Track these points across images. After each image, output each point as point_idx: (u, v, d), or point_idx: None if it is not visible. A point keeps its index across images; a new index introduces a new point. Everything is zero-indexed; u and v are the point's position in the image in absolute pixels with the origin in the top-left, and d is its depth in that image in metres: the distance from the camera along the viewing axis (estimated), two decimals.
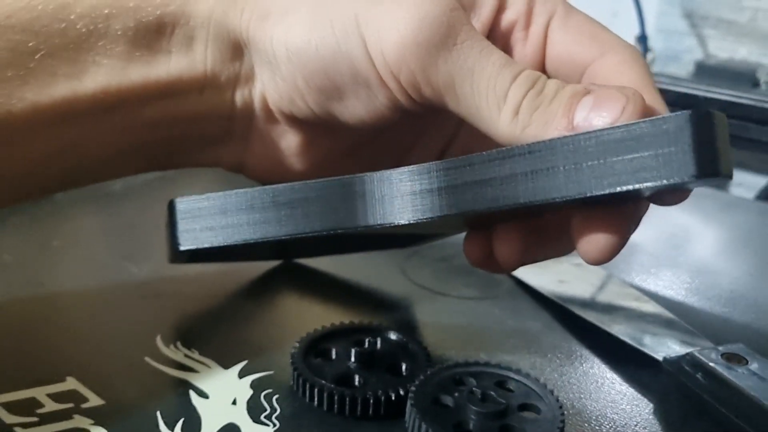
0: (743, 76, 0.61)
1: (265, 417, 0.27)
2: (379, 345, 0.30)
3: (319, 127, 0.29)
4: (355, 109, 0.27)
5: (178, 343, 0.31)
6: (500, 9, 0.26)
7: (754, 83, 0.61)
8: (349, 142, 0.30)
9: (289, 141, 0.30)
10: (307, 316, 0.34)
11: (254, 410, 0.27)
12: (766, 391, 0.27)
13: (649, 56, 0.67)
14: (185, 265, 0.37)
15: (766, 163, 0.73)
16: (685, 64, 0.70)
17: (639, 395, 0.29)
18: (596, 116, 0.22)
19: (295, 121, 0.29)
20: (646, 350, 0.30)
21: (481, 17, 0.26)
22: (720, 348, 0.29)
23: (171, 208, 0.29)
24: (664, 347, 0.30)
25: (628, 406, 0.29)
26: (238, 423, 0.26)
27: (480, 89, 0.24)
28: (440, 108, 0.25)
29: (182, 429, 0.26)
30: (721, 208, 0.52)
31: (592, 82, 0.24)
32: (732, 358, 0.28)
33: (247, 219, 0.26)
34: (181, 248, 0.28)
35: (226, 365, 0.30)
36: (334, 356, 0.29)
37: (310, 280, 0.38)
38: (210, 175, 0.54)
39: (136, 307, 0.34)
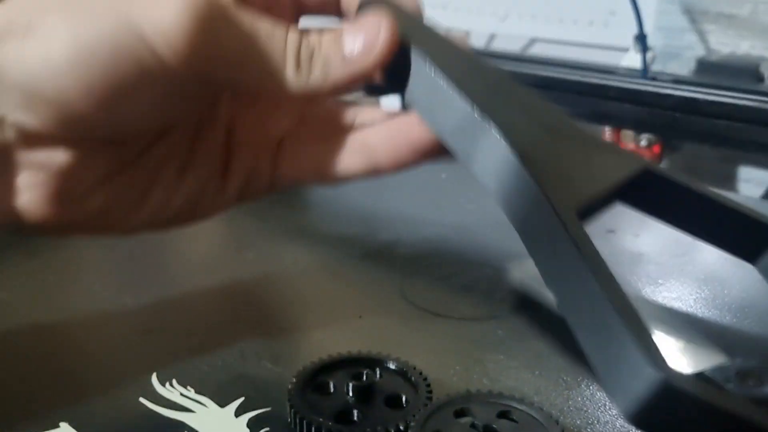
0: (746, 71, 0.60)
1: None
2: (377, 376, 0.29)
3: (96, 143, 0.27)
4: (134, 111, 0.26)
5: (174, 381, 0.30)
6: None
7: (759, 78, 0.60)
8: (135, 150, 0.28)
9: (66, 169, 0.27)
10: (304, 345, 0.34)
11: None
12: None
13: (649, 55, 0.66)
14: (180, 296, 0.37)
15: None
16: (687, 61, 0.69)
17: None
18: (360, 41, 0.26)
19: (68, 142, 0.27)
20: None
21: None
22: (734, 363, 0.28)
23: None
24: (674, 365, 0.29)
25: None
26: None
27: (261, 53, 0.26)
28: (227, 84, 0.27)
29: None
30: None
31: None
32: (747, 377, 0.27)
33: None
34: None
35: (223, 403, 0.29)
36: (332, 390, 0.29)
37: (307, 305, 0.37)
38: None
39: (132, 344, 0.33)
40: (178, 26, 0.24)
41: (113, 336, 0.34)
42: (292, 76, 0.26)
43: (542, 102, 0.26)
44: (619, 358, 0.18)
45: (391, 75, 0.27)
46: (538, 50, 0.86)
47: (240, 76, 0.26)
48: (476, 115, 0.24)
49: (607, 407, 0.29)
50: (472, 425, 0.25)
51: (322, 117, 0.32)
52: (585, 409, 0.29)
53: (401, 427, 0.26)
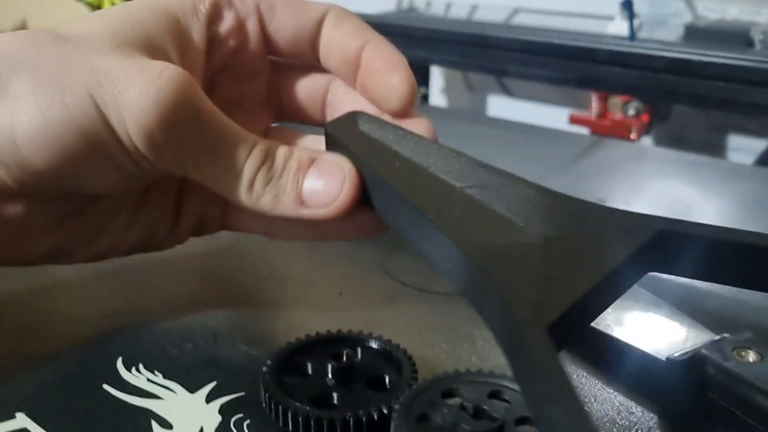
0: (736, 37, 0.58)
1: None
2: (359, 356, 0.27)
3: (49, 195, 0.27)
4: (95, 181, 0.27)
5: (141, 366, 0.28)
6: (213, 21, 0.29)
7: (748, 43, 0.58)
8: (87, 199, 0.29)
9: (18, 216, 0.27)
10: (280, 325, 0.32)
11: None
12: None
13: (636, 22, 0.64)
14: (147, 276, 0.34)
15: (764, 125, 0.70)
16: (674, 28, 0.67)
17: (645, 399, 0.27)
18: (321, 192, 0.26)
19: (20, 195, 0.27)
20: (647, 350, 0.27)
21: (197, 33, 0.28)
22: (728, 339, 0.26)
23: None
24: (667, 345, 0.28)
25: (634, 411, 0.26)
26: None
27: (219, 164, 0.26)
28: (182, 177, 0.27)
29: None
30: (720, 177, 0.49)
31: (318, 149, 0.28)
32: (744, 352, 0.26)
33: None
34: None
35: (193, 389, 0.27)
36: (310, 372, 0.27)
37: (283, 281, 0.35)
38: None
39: (95, 328, 0.31)
40: (143, 120, 0.24)
41: (74, 320, 0.32)
42: (242, 196, 0.26)
43: (538, 190, 0.25)
44: None
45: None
46: (522, 20, 0.84)
47: (195, 176, 0.26)
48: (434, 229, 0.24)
49: (601, 386, 0.28)
50: (461, 407, 0.24)
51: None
52: (578, 388, 0.27)
53: (384, 411, 0.24)
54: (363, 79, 0.29)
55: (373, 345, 0.28)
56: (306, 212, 0.26)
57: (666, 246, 0.23)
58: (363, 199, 0.27)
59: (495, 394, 0.25)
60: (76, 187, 0.27)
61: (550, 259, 0.22)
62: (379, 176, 0.26)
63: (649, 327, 0.29)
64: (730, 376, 0.24)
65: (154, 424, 0.25)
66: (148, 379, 0.28)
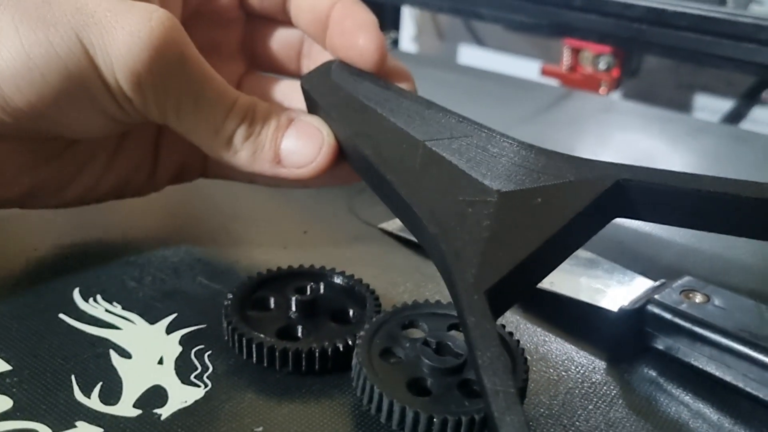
0: None
1: (195, 377, 0.24)
2: (322, 290, 0.27)
3: (25, 137, 0.27)
4: (76, 124, 0.26)
5: (98, 297, 0.28)
6: None
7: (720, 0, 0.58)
8: (63, 143, 0.28)
9: None
10: (243, 261, 0.31)
11: (183, 370, 0.24)
12: (736, 323, 0.25)
13: None
14: (108, 210, 0.33)
15: (731, 85, 0.71)
16: None
17: (597, 350, 0.27)
18: (298, 153, 0.26)
19: None
20: (599, 304, 0.27)
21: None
22: (673, 284, 0.27)
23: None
24: (613, 297, 0.28)
25: (593, 350, 0.27)
26: (164, 385, 0.23)
27: (200, 114, 0.25)
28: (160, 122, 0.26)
29: (100, 394, 0.23)
30: (687, 132, 0.49)
31: (298, 108, 0.29)
32: (692, 294, 0.26)
33: None
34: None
35: (152, 320, 0.27)
36: (272, 306, 0.26)
37: (247, 219, 0.35)
38: None
39: (51, 258, 0.30)
40: (131, 63, 0.23)
41: (30, 251, 0.31)
42: (219, 148, 0.26)
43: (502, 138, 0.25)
44: None
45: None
46: None
47: (175, 125, 0.26)
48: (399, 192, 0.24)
49: (563, 324, 0.28)
50: (425, 342, 0.24)
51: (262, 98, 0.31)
52: (541, 325, 0.28)
53: (350, 342, 0.24)
54: (332, 39, 0.29)
55: (337, 280, 0.28)
56: (283, 171, 0.26)
57: (627, 193, 0.23)
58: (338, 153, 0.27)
59: (455, 326, 0.25)
60: (57, 129, 0.26)
61: (502, 218, 0.22)
62: (347, 134, 0.26)
63: (591, 282, 0.29)
64: (683, 317, 0.25)
65: (112, 353, 0.25)
66: (106, 310, 0.27)
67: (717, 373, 0.24)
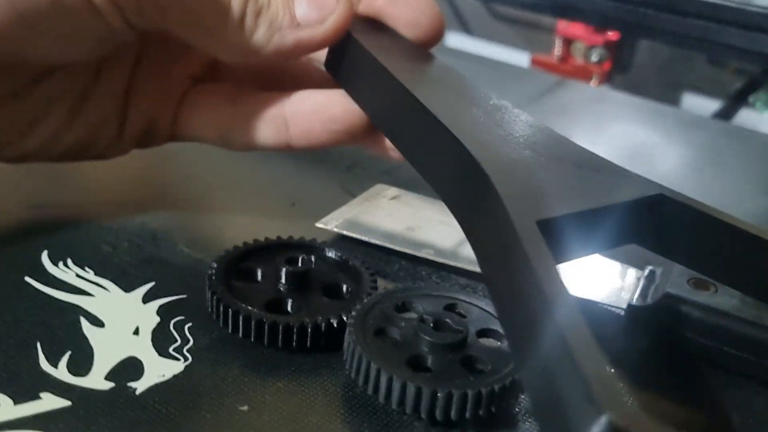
0: None
1: (174, 350, 0.22)
2: (314, 263, 0.25)
3: None
4: (49, 45, 0.23)
5: (69, 261, 0.25)
6: None
7: None
8: (24, 80, 0.26)
9: None
10: (227, 232, 0.29)
11: (161, 341, 0.22)
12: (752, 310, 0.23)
13: None
14: (83, 171, 0.31)
15: (720, 85, 0.71)
16: None
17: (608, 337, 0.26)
18: (315, 11, 0.24)
19: None
20: (607, 303, 0.26)
21: None
22: (675, 274, 0.25)
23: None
24: (608, 291, 0.26)
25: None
26: (140, 356, 0.21)
27: (203, 3, 0.23)
28: (158, 31, 0.24)
29: (69, 364, 0.21)
30: (680, 125, 0.49)
31: None
32: (700, 285, 0.25)
33: None
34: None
35: (128, 288, 0.25)
36: (260, 278, 0.25)
37: (233, 188, 0.33)
38: None
39: (18, 220, 0.28)
40: None
41: None
42: (233, 35, 0.24)
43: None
44: (564, 397, 0.14)
45: (334, 59, 0.26)
46: None
47: (176, 22, 0.24)
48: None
49: None
50: (421, 319, 0.22)
51: (237, 75, 0.29)
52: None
53: (345, 318, 0.22)
54: (390, 7, 0.26)
55: (330, 254, 0.26)
56: (304, 34, 0.24)
57: (665, 207, 0.21)
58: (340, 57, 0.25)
59: (450, 308, 0.23)
60: (25, 52, 0.23)
61: (554, 176, 0.21)
62: (389, 73, 0.24)
63: (583, 276, 0.28)
64: (710, 312, 0.24)
65: (83, 320, 0.23)
66: (78, 275, 0.25)
67: (739, 365, 0.23)
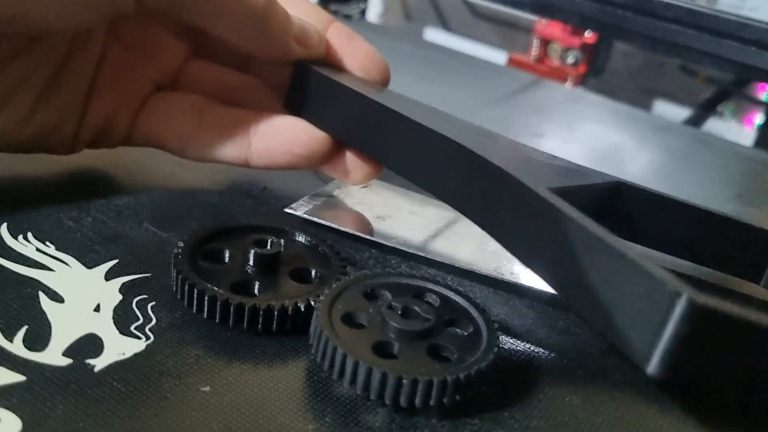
0: None
1: (136, 328, 0.21)
2: (283, 247, 0.25)
3: None
4: (51, 11, 0.23)
5: (29, 235, 0.25)
6: None
7: None
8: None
9: None
10: (197, 211, 0.29)
11: (122, 319, 0.22)
12: None
13: None
14: None
15: (691, 94, 0.72)
16: None
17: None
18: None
19: None
20: None
21: None
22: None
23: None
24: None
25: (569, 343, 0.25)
26: (100, 334, 0.21)
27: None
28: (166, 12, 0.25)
29: (25, 339, 0.20)
30: (651, 130, 0.49)
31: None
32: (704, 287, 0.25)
33: None
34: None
35: (90, 264, 0.24)
36: (227, 259, 0.24)
37: (203, 167, 0.32)
38: None
39: None
40: None
41: None
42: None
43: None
44: (639, 296, 0.16)
45: (297, 95, 0.28)
46: None
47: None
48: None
49: (531, 297, 0.27)
50: (389, 306, 0.22)
51: (204, 85, 0.30)
52: (506, 296, 0.26)
53: (312, 303, 0.22)
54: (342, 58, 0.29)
55: (299, 238, 0.26)
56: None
57: (625, 196, 0.25)
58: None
59: (419, 296, 0.23)
60: (15, 17, 0.23)
61: (529, 163, 0.24)
62: (366, 98, 0.26)
63: None
64: None
65: (42, 296, 0.22)
66: (38, 249, 0.24)
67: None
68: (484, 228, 0.23)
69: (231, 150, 0.28)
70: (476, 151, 0.23)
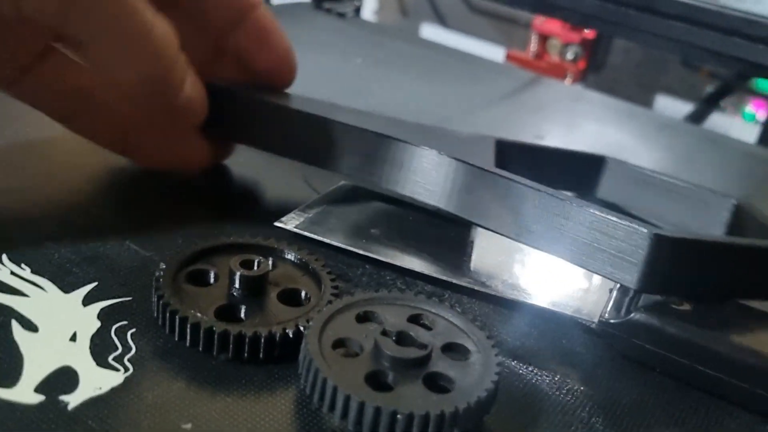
0: None
1: (114, 359, 0.20)
2: (271, 266, 0.24)
3: None
4: None
5: (3, 257, 0.23)
6: None
7: None
8: None
9: None
10: (181, 225, 0.27)
11: (100, 349, 0.20)
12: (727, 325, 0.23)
13: None
14: (21, 154, 0.29)
15: (692, 88, 0.70)
16: None
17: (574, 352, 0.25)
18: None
19: None
20: (578, 316, 0.25)
21: None
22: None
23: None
24: (574, 301, 0.25)
25: (568, 363, 0.24)
26: (75, 366, 0.20)
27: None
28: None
29: None
30: (654, 128, 0.48)
31: None
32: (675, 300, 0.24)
33: None
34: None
35: (68, 288, 0.23)
36: (212, 281, 0.23)
37: (189, 182, 0.31)
38: None
39: None
40: None
41: None
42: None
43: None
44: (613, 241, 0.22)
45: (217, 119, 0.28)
46: None
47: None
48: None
49: (530, 321, 0.25)
50: (383, 332, 0.20)
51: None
52: (508, 315, 0.25)
53: (301, 328, 0.21)
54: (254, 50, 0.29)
55: (289, 256, 0.24)
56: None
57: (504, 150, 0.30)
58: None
59: (415, 319, 0.22)
60: None
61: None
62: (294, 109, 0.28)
63: (546, 288, 0.27)
64: (684, 329, 0.23)
65: (14, 324, 0.21)
66: (12, 272, 0.23)
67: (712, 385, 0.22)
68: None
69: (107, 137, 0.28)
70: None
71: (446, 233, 0.29)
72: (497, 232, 0.25)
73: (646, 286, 0.22)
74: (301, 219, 0.28)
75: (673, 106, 0.70)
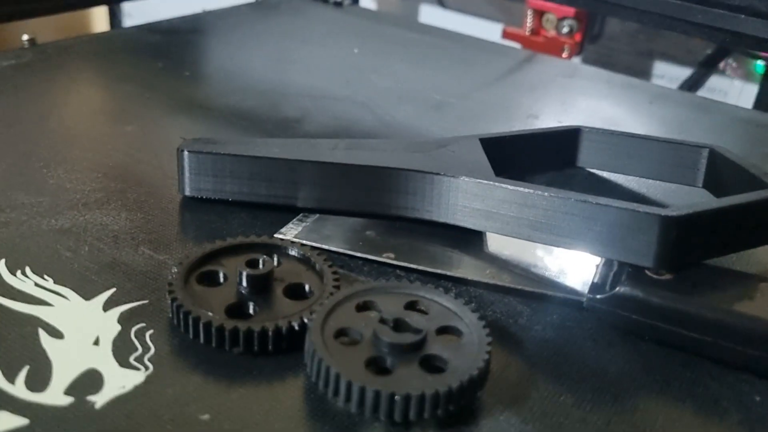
0: None
1: (135, 359, 0.22)
2: (276, 263, 0.25)
3: None
4: None
5: (27, 270, 0.25)
6: None
7: None
8: None
9: None
10: (191, 229, 0.29)
11: (122, 351, 0.22)
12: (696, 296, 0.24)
13: None
14: (41, 170, 0.31)
15: (690, 53, 0.70)
16: None
17: (570, 319, 0.26)
18: None
19: None
20: (566, 293, 0.26)
21: None
22: (618, 265, 0.26)
23: (180, 154, 0.30)
24: (569, 280, 0.27)
25: (561, 341, 0.26)
26: (100, 368, 0.21)
27: None
28: None
29: (27, 379, 0.21)
30: (648, 98, 0.49)
31: None
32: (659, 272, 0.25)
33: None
34: (186, 194, 0.30)
35: (89, 295, 0.24)
36: (222, 281, 0.24)
37: (194, 197, 0.32)
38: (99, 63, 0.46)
39: None
40: None
41: None
42: None
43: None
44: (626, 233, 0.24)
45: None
46: None
47: None
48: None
49: (525, 302, 0.27)
50: (381, 320, 0.22)
51: None
52: (500, 299, 0.26)
53: (306, 321, 0.22)
54: None
55: (292, 252, 0.26)
56: None
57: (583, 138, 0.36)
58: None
59: (411, 305, 0.23)
60: None
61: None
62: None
63: (533, 268, 0.28)
64: (669, 298, 0.24)
65: (42, 333, 0.22)
66: (36, 284, 0.25)
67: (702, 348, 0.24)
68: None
69: None
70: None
71: (436, 229, 0.30)
72: (521, 239, 0.26)
73: (662, 264, 0.24)
74: (300, 228, 0.29)
75: (671, 72, 0.71)
